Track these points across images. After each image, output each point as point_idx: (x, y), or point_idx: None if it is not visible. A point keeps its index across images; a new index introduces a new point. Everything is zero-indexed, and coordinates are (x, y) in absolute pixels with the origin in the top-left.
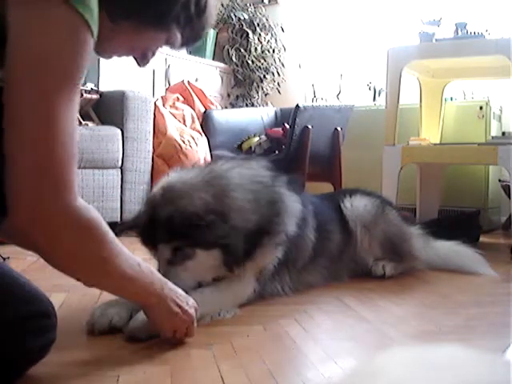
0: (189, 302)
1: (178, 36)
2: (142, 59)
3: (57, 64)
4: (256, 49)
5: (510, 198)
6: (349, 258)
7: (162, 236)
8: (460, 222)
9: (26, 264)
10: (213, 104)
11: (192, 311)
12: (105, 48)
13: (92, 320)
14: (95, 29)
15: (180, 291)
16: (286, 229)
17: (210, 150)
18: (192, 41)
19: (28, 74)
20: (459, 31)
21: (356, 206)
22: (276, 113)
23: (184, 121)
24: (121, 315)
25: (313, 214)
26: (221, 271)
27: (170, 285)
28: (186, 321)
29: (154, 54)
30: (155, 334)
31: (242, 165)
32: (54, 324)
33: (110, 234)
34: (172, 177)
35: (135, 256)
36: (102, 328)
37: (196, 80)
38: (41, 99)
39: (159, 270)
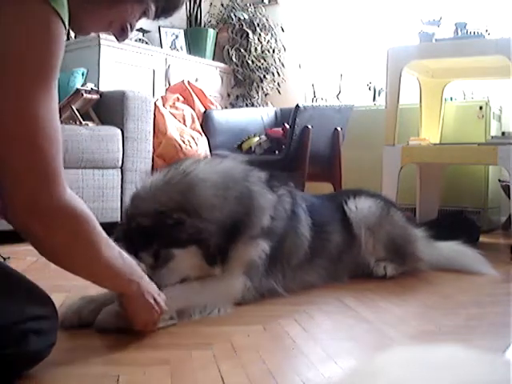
0: (160, 295)
1: (153, 7)
2: (121, 34)
3: (32, 60)
4: (256, 49)
5: (509, 197)
6: (350, 260)
7: (138, 244)
8: (459, 223)
9: (26, 264)
10: (213, 104)
11: (163, 304)
12: (82, 26)
13: (64, 314)
14: (66, 19)
15: (153, 285)
16: (260, 222)
17: (210, 150)
18: (168, 11)
19: (2, 72)
20: (459, 31)
21: (360, 208)
22: (276, 113)
23: (184, 121)
24: (91, 310)
25: (307, 212)
26: (204, 268)
27: (147, 278)
28: (158, 313)
29: (132, 28)
30: (123, 325)
31: (210, 161)
32: (56, 326)
33: (97, 223)
34: (139, 186)
35: (116, 246)
36: (72, 323)
37: (196, 80)
38: (19, 96)
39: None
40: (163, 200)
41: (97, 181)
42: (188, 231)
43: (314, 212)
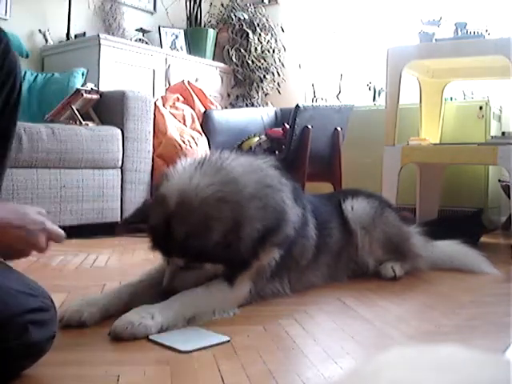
0: (34, 212)
1: None
2: None
3: None
4: (256, 49)
5: (509, 197)
6: (349, 257)
7: (176, 251)
8: (461, 221)
9: (25, 264)
10: (213, 104)
11: (38, 217)
12: None
13: (64, 312)
14: None
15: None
16: (285, 232)
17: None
18: None
19: None
20: (459, 31)
21: (356, 209)
22: (276, 113)
23: (184, 121)
24: (91, 312)
25: (312, 214)
26: (220, 281)
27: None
28: (36, 229)
29: None
30: (142, 335)
31: (252, 165)
32: (54, 317)
33: None
34: (184, 182)
35: None
36: (71, 322)
37: (196, 80)
38: None
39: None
40: (216, 226)
41: (97, 181)
42: (228, 251)
43: (316, 211)
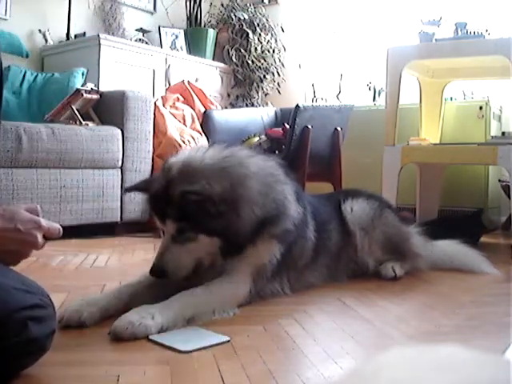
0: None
1: None
2: None
3: None
4: (256, 49)
5: (509, 198)
6: (348, 258)
7: (172, 212)
8: (461, 221)
9: (25, 264)
10: (213, 104)
11: (28, 216)
12: None
13: (64, 312)
14: None
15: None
16: (284, 225)
17: None
18: None
19: None
20: (459, 31)
21: (355, 210)
22: (276, 113)
23: (184, 121)
24: (91, 312)
25: (312, 215)
26: (216, 258)
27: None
28: (29, 228)
29: None
30: (141, 336)
31: (260, 155)
32: (53, 314)
33: None
34: (191, 154)
35: None
36: (70, 322)
37: (196, 80)
38: None
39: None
40: (213, 183)
41: (97, 181)
42: (222, 224)
43: (316, 212)
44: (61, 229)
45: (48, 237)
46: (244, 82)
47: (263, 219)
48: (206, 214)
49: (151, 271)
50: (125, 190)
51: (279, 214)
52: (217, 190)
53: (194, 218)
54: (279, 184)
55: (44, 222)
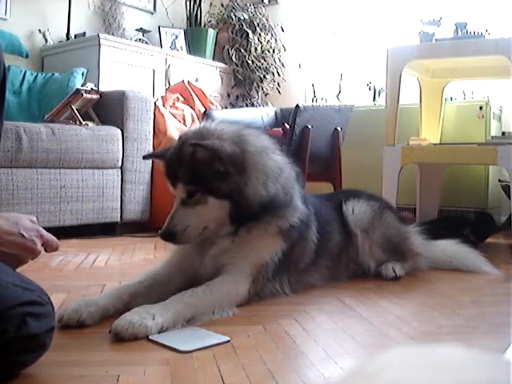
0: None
1: None
2: None
3: None
4: (256, 49)
5: (509, 198)
6: (349, 258)
7: (183, 174)
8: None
9: (25, 264)
10: (213, 104)
11: (30, 224)
12: None
13: (64, 312)
14: None
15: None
16: (290, 219)
17: None
18: None
19: None
20: (459, 31)
21: (357, 212)
22: (276, 113)
23: (184, 121)
24: (90, 312)
25: (314, 217)
26: (224, 224)
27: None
28: (31, 235)
29: None
30: (140, 337)
31: (273, 148)
32: (51, 311)
33: None
34: (209, 122)
35: None
36: (70, 322)
37: (196, 80)
38: None
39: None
40: (225, 144)
41: (97, 181)
42: (230, 185)
43: (318, 213)
44: (59, 243)
45: (45, 248)
46: (244, 82)
47: (270, 202)
48: (214, 173)
49: (161, 235)
50: (143, 157)
51: (287, 203)
52: (227, 150)
53: (203, 178)
54: (291, 177)
55: (44, 231)
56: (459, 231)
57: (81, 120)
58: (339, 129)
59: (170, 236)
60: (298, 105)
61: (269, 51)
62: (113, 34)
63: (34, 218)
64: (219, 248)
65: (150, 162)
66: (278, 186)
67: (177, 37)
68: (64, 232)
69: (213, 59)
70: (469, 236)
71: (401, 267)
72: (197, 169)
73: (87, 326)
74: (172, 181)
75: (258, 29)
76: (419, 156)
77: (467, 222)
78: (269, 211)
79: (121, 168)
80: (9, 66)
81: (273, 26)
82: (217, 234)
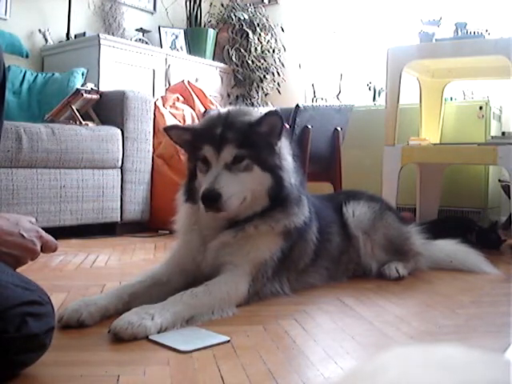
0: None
1: None
2: None
3: None
4: (256, 49)
5: (509, 197)
6: (349, 260)
7: (235, 139)
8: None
9: (26, 264)
10: (213, 104)
11: (30, 225)
12: None
13: (64, 312)
14: None
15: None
16: (295, 220)
17: None
18: None
19: None
20: (459, 31)
21: (357, 215)
22: None
23: (184, 121)
24: (90, 312)
25: (315, 218)
26: (259, 203)
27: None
28: (31, 236)
29: None
30: (142, 336)
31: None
32: (51, 311)
33: None
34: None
35: None
36: (70, 322)
37: (196, 80)
38: None
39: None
40: (275, 118)
41: (97, 181)
42: (275, 161)
43: (318, 214)
44: (57, 244)
45: (44, 249)
46: (244, 82)
47: (286, 196)
48: (267, 144)
49: (203, 196)
50: (164, 128)
51: (297, 203)
52: (271, 135)
53: (256, 145)
54: (301, 179)
55: (44, 232)
56: (462, 234)
57: (81, 120)
58: (339, 129)
59: (214, 197)
60: (297, 105)
61: (269, 51)
62: (113, 34)
63: (34, 219)
64: (220, 241)
65: (150, 161)
66: (296, 182)
67: (177, 37)
68: (64, 232)
69: (213, 59)
70: (472, 240)
71: (403, 267)
72: (253, 136)
73: (87, 326)
74: (217, 144)
75: (257, 29)
76: (419, 156)
77: (471, 225)
78: (279, 207)
79: (121, 168)
80: (9, 66)
81: (273, 26)
82: (247, 209)
